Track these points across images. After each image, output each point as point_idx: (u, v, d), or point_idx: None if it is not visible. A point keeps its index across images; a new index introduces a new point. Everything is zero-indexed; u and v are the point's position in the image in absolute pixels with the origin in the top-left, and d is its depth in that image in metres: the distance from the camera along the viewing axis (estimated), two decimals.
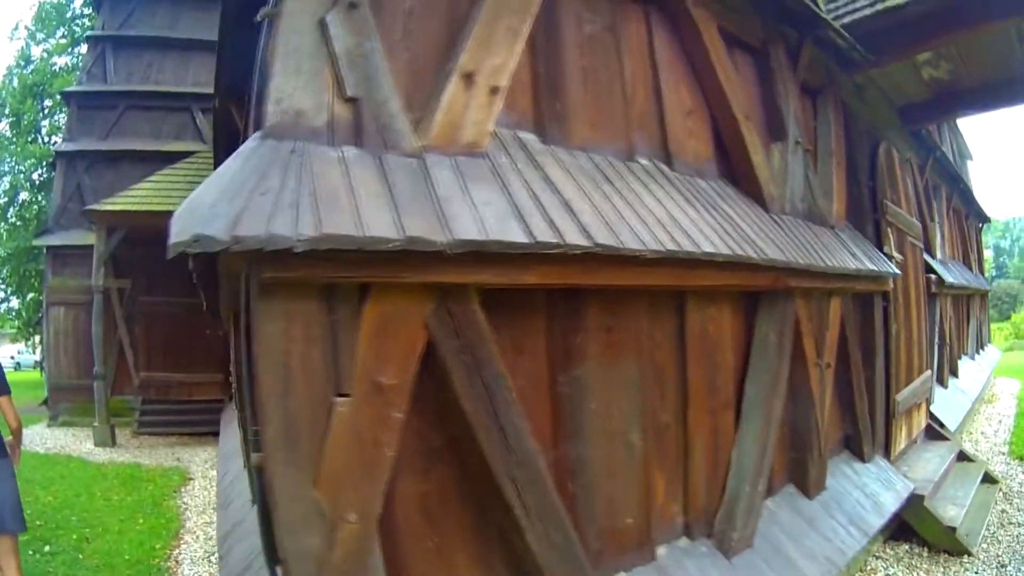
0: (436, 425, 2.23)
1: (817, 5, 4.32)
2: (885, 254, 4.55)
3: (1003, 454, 6.23)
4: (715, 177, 3.63)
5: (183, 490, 7.04)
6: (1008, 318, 30.38)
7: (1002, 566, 3.99)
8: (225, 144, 6.35)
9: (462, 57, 2.39)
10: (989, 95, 4.96)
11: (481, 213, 2.06)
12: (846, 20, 4.52)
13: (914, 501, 4.23)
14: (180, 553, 4.82)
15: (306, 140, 1.99)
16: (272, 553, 2.69)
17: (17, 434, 3.37)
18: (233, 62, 4.46)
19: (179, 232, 1.62)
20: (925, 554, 4.21)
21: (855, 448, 4.36)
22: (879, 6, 4.47)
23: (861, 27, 4.48)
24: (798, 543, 3.52)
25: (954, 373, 7.42)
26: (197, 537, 5.19)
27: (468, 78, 2.39)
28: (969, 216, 10.26)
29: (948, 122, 6.86)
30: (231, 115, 5.43)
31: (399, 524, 2.15)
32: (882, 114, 5.04)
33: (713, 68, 3.60)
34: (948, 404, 6.18)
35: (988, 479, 4.90)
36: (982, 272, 11.60)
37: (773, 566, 3.29)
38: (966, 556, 4.10)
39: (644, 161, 3.21)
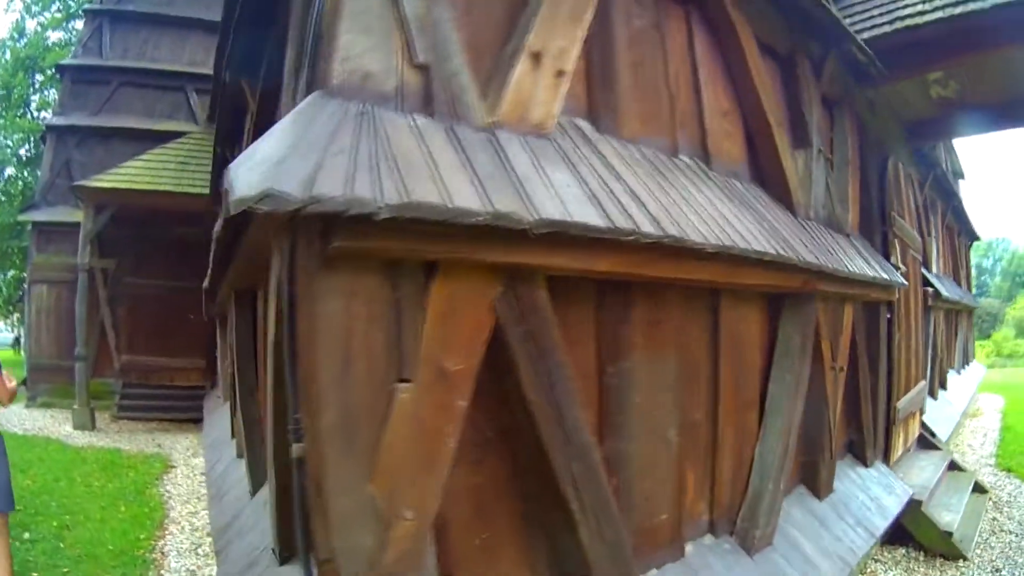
0: (491, 415, 2.06)
1: None
2: (892, 264, 4.55)
3: (990, 466, 6.33)
4: (747, 179, 3.55)
5: (165, 478, 6.64)
6: (988, 336, 30.82)
7: (996, 571, 4.01)
8: (230, 120, 6.03)
9: (530, 36, 2.23)
10: (995, 115, 5.03)
11: (561, 195, 1.90)
12: (864, 36, 4.50)
13: (912, 506, 4.23)
14: (165, 544, 4.50)
15: (374, 103, 1.81)
16: (286, 549, 2.49)
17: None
18: (251, 33, 4.20)
19: (245, 187, 1.40)
20: (921, 558, 4.21)
21: (858, 453, 4.34)
22: (898, 24, 4.46)
23: (878, 43, 4.46)
24: (813, 542, 3.47)
25: (943, 386, 7.51)
26: (182, 528, 4.87)
27: (536, 58, 2.24)
28: (960, 233, 10.47)
29: (947, 141, 7.00)
30: (240, 90, 5.13)
31: (449, 519, 1.97)
32: (890, 129, 5.06)
33: (749, 71, 3.52)
34: (938, 415, 6.26)
35: (978, 488, 4.96)
36: (970, 289, 11.88)
37: (793, 564, 3.23)
38: (961, 561, 4.11)
39: (686, 159, 3.11)
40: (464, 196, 1.64)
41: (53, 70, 11.70)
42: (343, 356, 1.64)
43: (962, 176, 7.93)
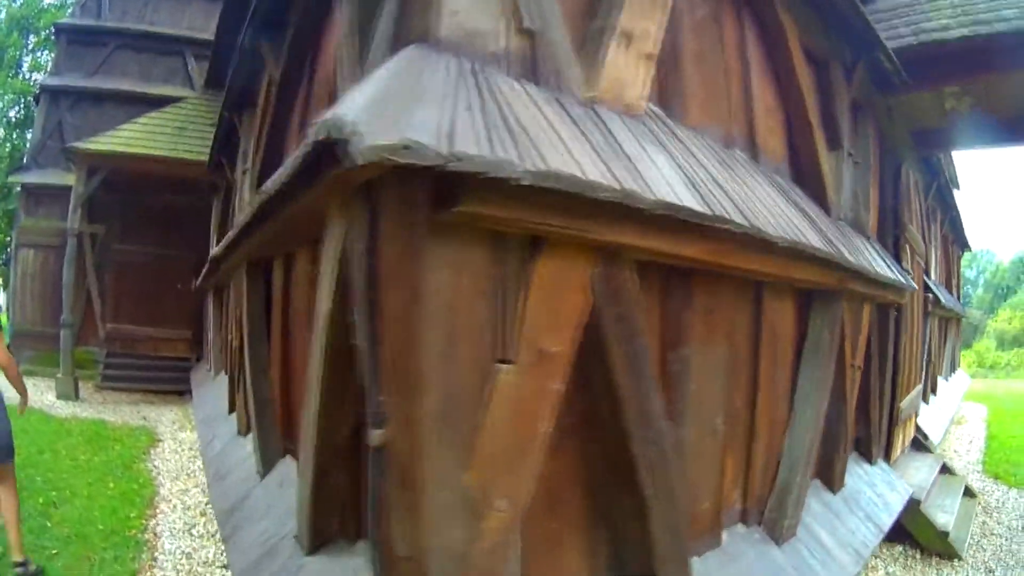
0: (571, 400, 1.95)
1: None
2: (903, 268, 4.60)
3: (978, 472, 6.50)
4: (788, 177, 3.52)
5: (152, 452, 6.29)
6: (969, 346, 30.82)
7: (990, 571, 4.12)
8: (243, 84, 5.69)
9: (621, 16, 2.09)
10: (1000, 131, 5.11)
11: (666, 177, 1.80)
12: (889, 46, 4.50)
13: (912, 505, 4.30)
14: (157, 524, 4.23)
15: (482, 63, 1.66)
16: (317, 537, 2.29)
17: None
18: None
19: (378, 133, 1.21)
20: (919, 556, 4.29)
21: (864, 450, 4.40)
22: (923, 37, 4.46)
23: (900, 54, 4.45)
24: (831, 534, 3.49)
25: (934, 391, 7.69)
26: (174, 506, 4.60)
27: (627, 38, 2.11)
28: (954, 243, 10.74)
29: (948, 152, 7.12)
30: (258, 53, 4.83)
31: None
32: (902, 136, 5.11)
33: (794, 71, 3.48)
34: (929, 420, 6.39)
35: (968, 492, 5.09)
36: (959, 298, 12.19)
37: (815, 555, 3.23)
38: (956, 560, 4.21)
39: (739, 152, 3.05)
40: (591, 170, 1.51)
41: (48, 31, 11.00)
42: (448, 334, 1.49)
43: (958, 186, 8.14)
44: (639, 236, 1.81)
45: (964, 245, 10.16)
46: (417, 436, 1.47)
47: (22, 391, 3.40)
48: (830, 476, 3.83)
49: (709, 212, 1.87)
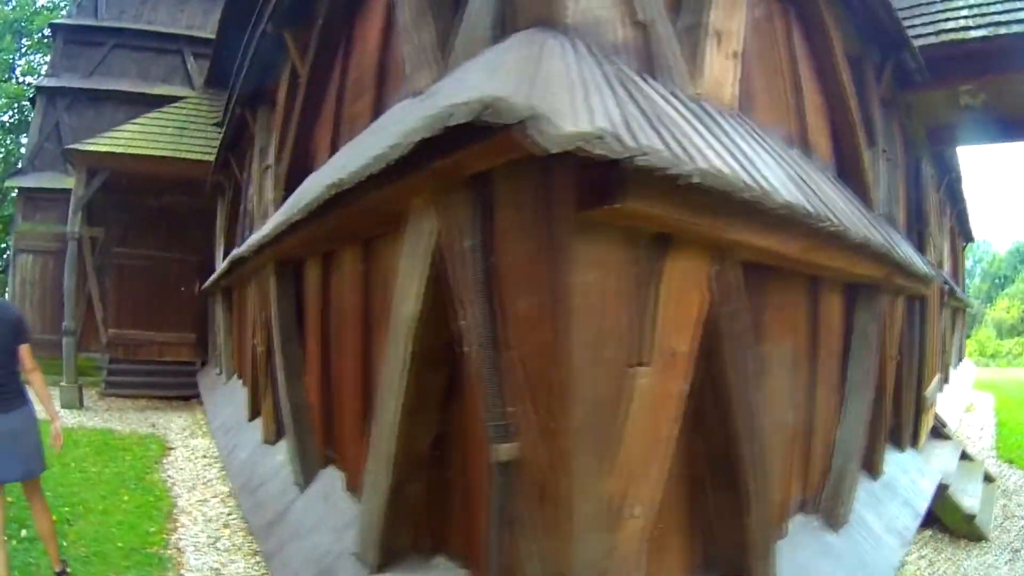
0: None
1: None
2: (927, 261, 4.65)
3: (992, 457, 6.58)
4: (834, 174, 3.51)
5: (165, 462, 5.94)
6: (969, 336, 30.98)
7: (1015, 551, 4.18)
8: (258, 77, 5.46)
9: (711, 14, 2.05)
10: (1008, 127, 5.21)
11: (778, 176, 1.75)
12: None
13: (940, 490, 4.36)
14: (179, 538, 3.93)
15: (607, 53, 1.58)
16: (385, 556, 2.14)
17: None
18: None
19: (568, 120, 1.11)
20: (947, 539, 4.34)
21: (895, 438, 4.44)
22: (944, 36, 4.53)
23: (923, 53, 4.52)
24: (878, 519, 3.51)
25: (946, 380, 7.81)
26: (195, 519, 4.31)
27: (717, 36, 2.07)
28: (959, 235, 10.93)
29: (956, 147, 7.25)
30: (278, 44, 4.64)
31: None
32: (919, 133, 5.17)
33: (837, 70, 3.48)
34: (943, 408, 6.48)
35: (986, 478, 5.18)
36: (963, 289, 12.39)
37: (867, 541, 3.25)
38: (983, 542, 4.27)
39: (795, 151, 3.02)
40: (732, 169, 1.45)
41: (41, 34, 10.55)
42: (594, 338, 1.40)
43: (961, 180, 8.31)
44: (757, 235, 1.76)
45: (968, 237, 10.31)
46: (561, 448, 1.37)
47: (51, 412, 3.20)
48: (871, 463, 3.86)
49: (814, 212, 1.83)
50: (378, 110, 2.88)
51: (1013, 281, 37.85)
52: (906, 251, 3.78)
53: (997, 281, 39.50)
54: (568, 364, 1.36)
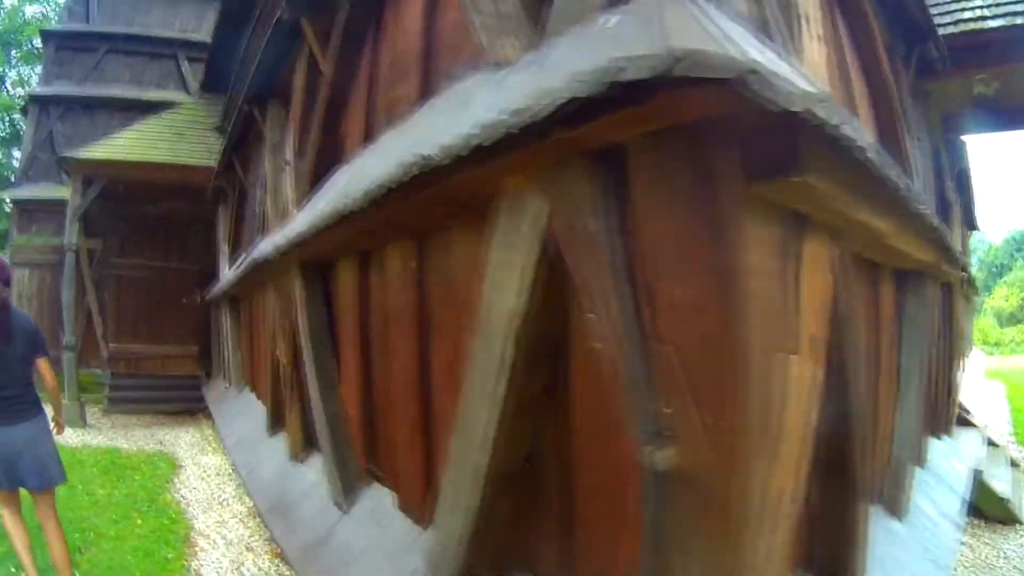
0: None
1: None
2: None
3: (1012, 443, 6.65)
4: None
5: (176, 480, 5.61)
6: None
7: None
8: (268, 70, 5.20)
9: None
10: (1015, 116, 5.28)
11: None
12: None
13: (975, 475, 4.36)
14: (201, 565, 3.66)
15: (738, 21, 1.47)
16: None
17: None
18: None
19: (792, 81, 1.02)
20: (983, 524, 4.36)
21: (931, 425, 4.43)
22: (962, 26, 4.59)
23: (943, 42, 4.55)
24: (931, 506, 3.48)
25: (963, 368, 7.82)
26: (214, 542, 4.04)
27: (807, 19, 2.00)
28: (965, 224, 11.04)
29: (964, 135, 7.36)
30: (293, 36, 4.42)
31: None
32: (936, 122, 5.21)
33: (879, 59, 3.46)
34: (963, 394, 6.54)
35: (1012, 463, 5.23)
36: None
37: (927, 527, 3.22)
38: (1017, 525, 4.29)
39: None
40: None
41: (30, 45, 10.15)
42: (763, 326, 1.26)
43: (969, 169, 8.46)
44: (878, 217, 1.69)
45: (973, 226, 10.41)
46: (733, 448, 1.21)
47: (57, 408, 3.27)
48: (918, 451, 3.83)
49: (911, 193, 1.77)
50: (427, 91, 2.70)
51: (1011, 269, 37.84)
52: (949, 239, 3.78)
53: (994, 270, 39.62)
54: (743, 356, 1.21)
